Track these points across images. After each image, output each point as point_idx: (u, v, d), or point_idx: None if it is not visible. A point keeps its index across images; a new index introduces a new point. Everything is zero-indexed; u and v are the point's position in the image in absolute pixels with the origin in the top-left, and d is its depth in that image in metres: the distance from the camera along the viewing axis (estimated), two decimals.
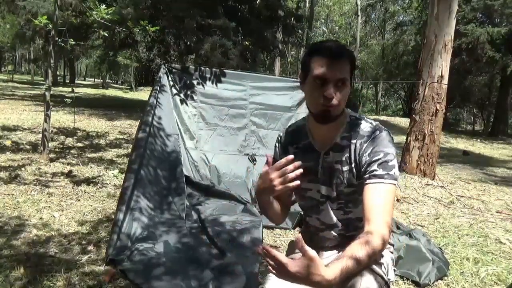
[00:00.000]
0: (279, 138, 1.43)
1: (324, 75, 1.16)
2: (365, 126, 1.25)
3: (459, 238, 2.91)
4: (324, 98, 1.16)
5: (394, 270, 1.38)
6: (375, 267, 1.20)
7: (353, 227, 1.32)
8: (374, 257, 1.11)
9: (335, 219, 1.33)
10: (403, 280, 2.16)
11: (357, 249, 1.07)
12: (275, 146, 1.44)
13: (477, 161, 8.27)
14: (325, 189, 1.32)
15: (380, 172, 1.17)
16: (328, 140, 1.27)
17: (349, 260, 1.04)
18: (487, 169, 7.19)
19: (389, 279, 1.27)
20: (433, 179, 5.17)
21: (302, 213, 1.57)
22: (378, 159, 1.18)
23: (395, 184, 1.18)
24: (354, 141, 1.24)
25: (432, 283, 2.12)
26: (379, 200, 1.15)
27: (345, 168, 1.26)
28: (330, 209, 1.33)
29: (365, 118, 1.28)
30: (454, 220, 3.44)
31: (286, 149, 1.38)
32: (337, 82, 1.15)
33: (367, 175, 1.19)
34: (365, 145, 1.22)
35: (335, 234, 1.35)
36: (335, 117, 1.21)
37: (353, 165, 1.24)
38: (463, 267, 2.37)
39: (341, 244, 1.33)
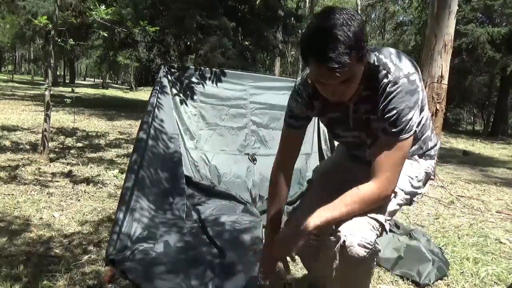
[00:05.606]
0: (300, 91, 1.33)
1: (323, 82, 1.11)
2: (381, 77, 1.16)
3: (459, 238, 2.91)
4: (332, 95, 1.13)
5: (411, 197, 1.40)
6: (371, 213, 1.24)
7: None
8: (365, 206, 1.19)
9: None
10: (403, 280, 2.16)
11: (345, 197, 1.19)
12: (296, 100, 1.35)
13: (477, 161, 8.27)
14: (360, 136, 1.34)
15: (390, 129, 1.17)
16: (354, 93, 1.21)
17: (334, 208, 1.18)
18: (487, 169, 7.19)
19: (388, 219, 1.29)
20: (433, 179, 5.17)
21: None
22: (390, 117, 1.16)
23: (406, 138, 1.17)
24: (374, 92, 1.19)
25: (432, 283, 2.12)
26: (383, 156, 1.17)
27: (373, 116, 1.24)
28: (367, 150, 1.36)
29: (383, 62, 1.17)
30: (454, 220, 3.44)
31: (311, 103, 1.32)
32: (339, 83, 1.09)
33: (379, 130, 1.21)
34: (381, 99, 1.17)
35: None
36: (350, 99, 1.18)
37: (377, 115, 1.23)
38: (463, 267, 2.37)
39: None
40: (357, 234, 1.18)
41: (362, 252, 1.18)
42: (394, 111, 1.14)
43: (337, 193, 1.25)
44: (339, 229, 1.20)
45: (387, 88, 1.15)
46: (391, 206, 1.30)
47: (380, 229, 1.25)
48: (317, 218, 1.18)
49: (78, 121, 8.27)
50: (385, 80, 1.15)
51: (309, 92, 1.31)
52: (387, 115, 1.16)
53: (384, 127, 1.17)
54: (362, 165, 1.36)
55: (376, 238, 1.23)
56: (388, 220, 1.29)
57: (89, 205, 3.09)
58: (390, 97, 1.15)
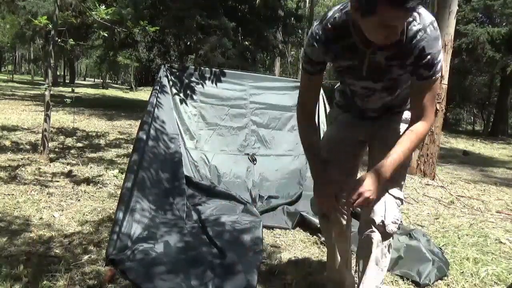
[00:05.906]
0: (318, 37, 1.34)
1: (395, 24, 1.13)
2: (411, 26, 1.23)
3: (459, 238, 2.91)
4: (386, 38, 1.17)
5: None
6: (394, 191, 1.46)
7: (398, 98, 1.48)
8: (420, 142, 1.40)
9: (381, 101, 1.50)
10: (403, 280, 2.16)
11: (406, 141, 1.34)
12: (313, 45, 1.36)
13: (477, 161, 8.27)
14: (371, 84, 1.41)
15: (426, 73, 1.28)
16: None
17: (399, 154, 1.33)
18: (487, 169, 7.19)
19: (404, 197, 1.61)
20: (433, 179, 5.18)
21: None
22: (425, 63, 1.25)
23: (438, 77, 1.32)
24: (402, 39, 1.23)
25: (432, 283, 2.12)
26: (424, 97, 1.31)
27: (394, 62, 1.31)
28: (375, 96, 1.48)
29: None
30: (454, 220, 3.44)
31: (328, 48, 1.34)
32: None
33: (415, 76, 1.31)
34: (410, 46, 1.24)
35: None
36: (370, 46, 1.26)
37: (400, 61, 1.30)
38: (463, 267, 2.37)
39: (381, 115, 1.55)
40: (391, 213, 1.44)
41: (393, 227, 1.44)
42: (428, 57, 1.24)
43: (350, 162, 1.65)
44: (375, 210, 1.43)
45: (418, 35, 1.23)
46: (405, 179, 1.54)
47: (400, 204, 1.49)
48: (389, 166, 1.32)
49: (78, 121, 8.27)
50: (413, 28, 1.23)
51: (328, 36, 1.33)
52: (422, 62, 1.25)
53: (419, 72, 1.28)
54: (362, 121, 1.61)
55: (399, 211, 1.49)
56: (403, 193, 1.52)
57: (89, 205, 3.09)
58: (421, 44, 1.23)
